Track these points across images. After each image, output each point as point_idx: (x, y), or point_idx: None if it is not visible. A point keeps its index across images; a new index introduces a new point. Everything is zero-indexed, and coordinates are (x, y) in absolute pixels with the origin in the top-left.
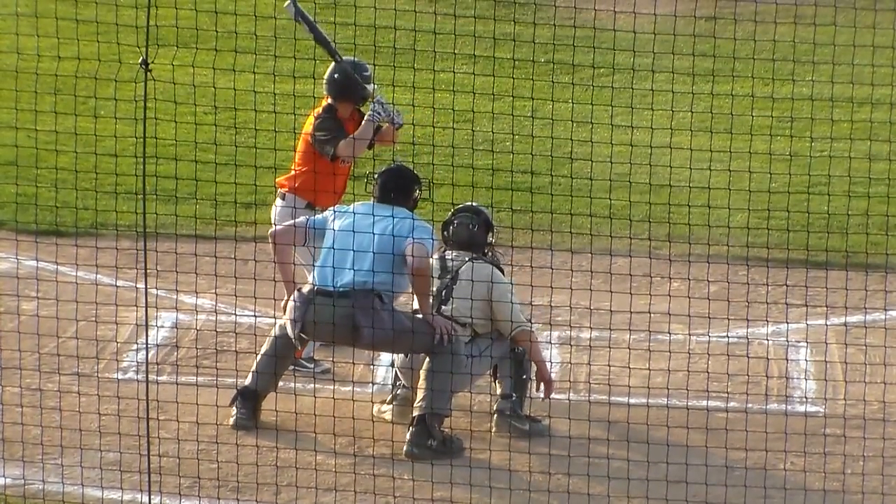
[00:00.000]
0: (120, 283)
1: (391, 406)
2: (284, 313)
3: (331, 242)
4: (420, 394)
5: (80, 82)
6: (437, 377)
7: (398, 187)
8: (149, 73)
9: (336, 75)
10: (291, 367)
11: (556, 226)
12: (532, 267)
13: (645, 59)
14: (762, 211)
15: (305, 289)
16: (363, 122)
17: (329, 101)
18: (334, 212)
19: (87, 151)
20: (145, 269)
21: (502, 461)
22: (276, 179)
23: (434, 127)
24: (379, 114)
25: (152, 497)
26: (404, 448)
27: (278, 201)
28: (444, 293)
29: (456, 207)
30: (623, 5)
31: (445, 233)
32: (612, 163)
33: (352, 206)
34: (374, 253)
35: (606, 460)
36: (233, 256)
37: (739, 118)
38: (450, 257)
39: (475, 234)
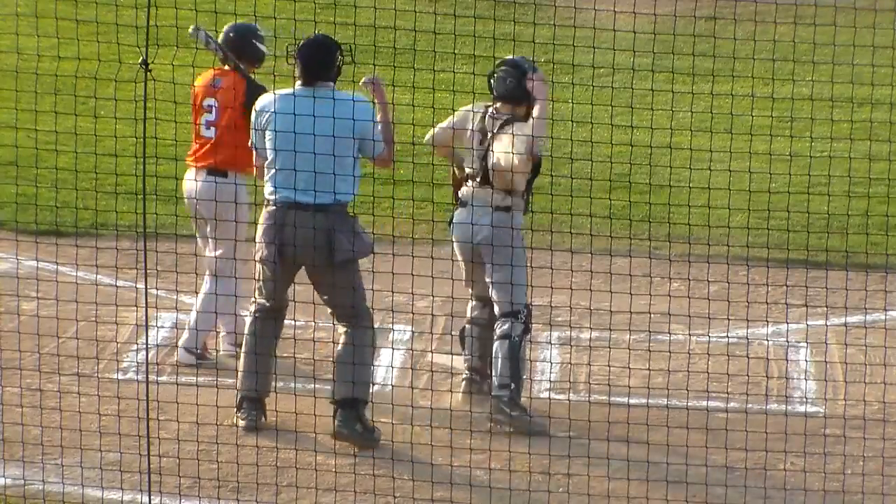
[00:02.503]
0: (120, 283)
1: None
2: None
3: (279, 142)
4: (346, 377)
5: (80, 82)
6: (362, 358)
7: (321, 62)
8: (149, 73)
9: (232, 34)
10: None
11: (556, 226)
12: (532, 267)
13: (645, 59)
14: (762, 211)
15: (270, 208)
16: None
17: (234, 66)
18: (257, 112)
19: (87, 151)
20: (145, 269)
21: (502, 461)
22: (197, 156)
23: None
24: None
25: (152, 497)
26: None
27: (217, 179)
28: (488, 146)
29: (499, 60)
30: (623, 5)
31: (490, 83)
32: (612, 163)
33: (277, 96)
34: (335, 156)
35: (606, 460)
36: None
37: (739, 118)
38: (490, 113)
39: (512, 88)
